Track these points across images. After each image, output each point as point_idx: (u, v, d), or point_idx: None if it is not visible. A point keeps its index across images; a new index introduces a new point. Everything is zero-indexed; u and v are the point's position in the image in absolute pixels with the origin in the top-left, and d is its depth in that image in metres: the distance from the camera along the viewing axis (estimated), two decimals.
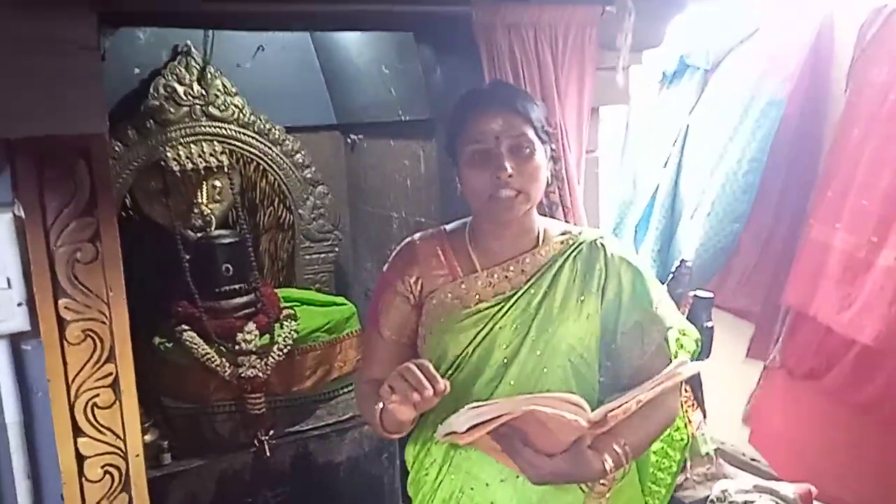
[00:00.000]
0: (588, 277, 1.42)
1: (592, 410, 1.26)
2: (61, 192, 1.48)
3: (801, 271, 2.56)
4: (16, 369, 1.51)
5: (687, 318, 2.02)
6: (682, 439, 1.56)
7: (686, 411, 2.10)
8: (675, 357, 1.46)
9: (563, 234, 1.48)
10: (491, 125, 1.35)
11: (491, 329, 1.40)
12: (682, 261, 2.10)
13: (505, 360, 1.39)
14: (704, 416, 2.25)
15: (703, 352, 2.13)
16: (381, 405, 1.32)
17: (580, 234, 1.48)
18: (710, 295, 2.15)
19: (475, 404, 1.24)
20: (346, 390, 2.60)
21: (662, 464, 1.55)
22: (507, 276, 1.43)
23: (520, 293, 1.41)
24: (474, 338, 1.40)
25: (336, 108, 3.02)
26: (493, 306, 1.41)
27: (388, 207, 2.84)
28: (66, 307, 1.50)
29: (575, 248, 1.44)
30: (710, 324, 2.11)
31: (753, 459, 2.67)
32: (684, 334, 1.48)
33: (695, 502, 2.23)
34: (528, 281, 1.42)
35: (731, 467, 2.38)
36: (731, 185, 2.70)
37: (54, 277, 1.49)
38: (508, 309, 1.40)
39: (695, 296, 2.12)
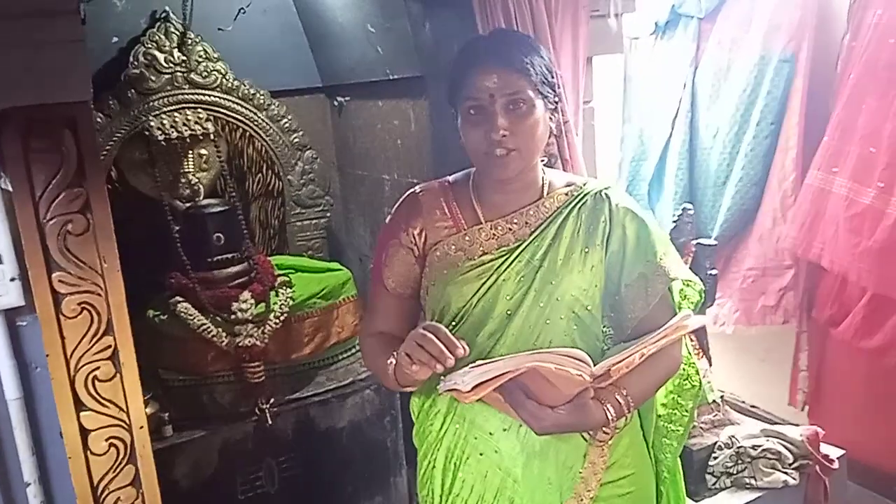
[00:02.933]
0: (592, 229, 1.41)
1: (596, 362, 1.26)
2: (48, 163, 1.44)
3: (800, 216, 2.53)
4: (12, 345, 1.49)
5: (690, 266, 2.02)
6: (692, 387, 1.56)
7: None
8: (679, 308, 1.46)
9: (567, 185, 1.47)
10: (486, 82, 1.32)
11: (494, 281, 1.40)
12: (683, 209, 2.09)
13: (508, 313, 1.39)
14: (710, 364, 2.25)
15: (708, 299, 2.14)
16: (393, 362, 1.32)
17: (585, 185, 1.46)
18: (713, 242, 2.14)
19: (479, 363, 1.23)
20: (345, 355, 2.58)
21: (674, 415, 1.55)
22: (511, 229, 1.42)
23: (524, 245, 1.40)
24: (478, 290, 1.40)
25: (321, 70, 2.96)
26: (496, 258, 1.40)
27: (379, 170, 2.80)
28: (60, 280, 1.47)
29: (579, 200, 1.43)
30: (713, 271, 2.11)
31: (753, 406, 2.68)
32: (688, 285, 1.48)
33: (702, 449, 2.24)
34: (533, 233, 1.41)
35: (736, 413, 2.39)
36: (756, 149, 2.70)
37: (46, 251, 1.46)
38: (512, 261, 1.40)
39: (698, 243, 2.11)
